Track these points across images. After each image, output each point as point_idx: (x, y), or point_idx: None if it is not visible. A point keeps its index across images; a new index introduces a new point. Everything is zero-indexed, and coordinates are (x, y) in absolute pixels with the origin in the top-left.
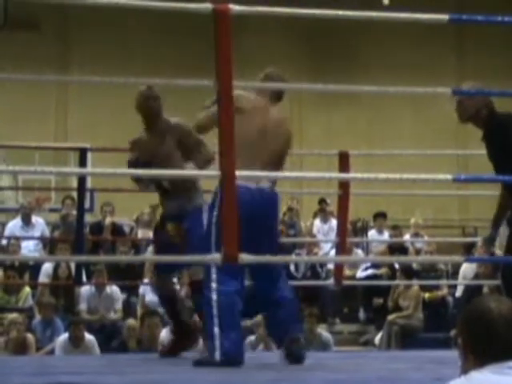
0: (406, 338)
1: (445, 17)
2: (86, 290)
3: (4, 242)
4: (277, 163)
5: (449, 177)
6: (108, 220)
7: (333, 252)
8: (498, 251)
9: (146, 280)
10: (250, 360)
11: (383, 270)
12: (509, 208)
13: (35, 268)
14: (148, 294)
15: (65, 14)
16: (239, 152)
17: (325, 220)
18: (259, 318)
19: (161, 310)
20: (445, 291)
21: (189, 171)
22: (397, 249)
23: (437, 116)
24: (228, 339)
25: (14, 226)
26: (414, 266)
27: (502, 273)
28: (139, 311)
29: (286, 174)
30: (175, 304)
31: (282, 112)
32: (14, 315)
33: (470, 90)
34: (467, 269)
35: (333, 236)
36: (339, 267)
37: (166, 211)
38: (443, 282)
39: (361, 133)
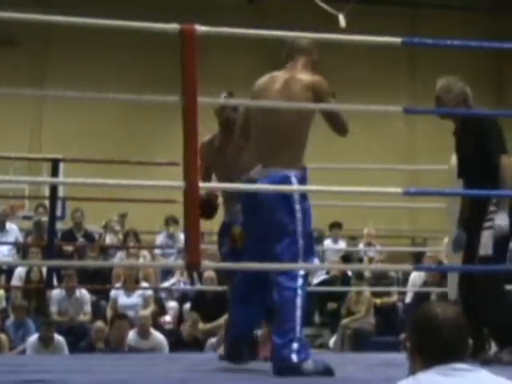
0: (359, 341)
1: (398, 40)
2: (56, 293)
3: None
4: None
5: (399, 190)
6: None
7: None
8: (445, 260)
9: (117, 284)
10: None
11: (335, 274)
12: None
13: (9, 272)
14: (121, 297)
15: (43, 33)
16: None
17: None
18: (221, 320)
19: (130, 313)
20: (395, 297)
21: (150, 182)
22: (351, 257)
23: (390, 133)
24: None
25: None
26: (367, 273)
27: (459, 283)
28: (109, 314)
29: (243, 186)
30: None
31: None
32: None
33: (446, 85)
34: (416, 277)
35: None
36: None
37: (229, 217)
38: (394, 288)
39: (317, 148)
